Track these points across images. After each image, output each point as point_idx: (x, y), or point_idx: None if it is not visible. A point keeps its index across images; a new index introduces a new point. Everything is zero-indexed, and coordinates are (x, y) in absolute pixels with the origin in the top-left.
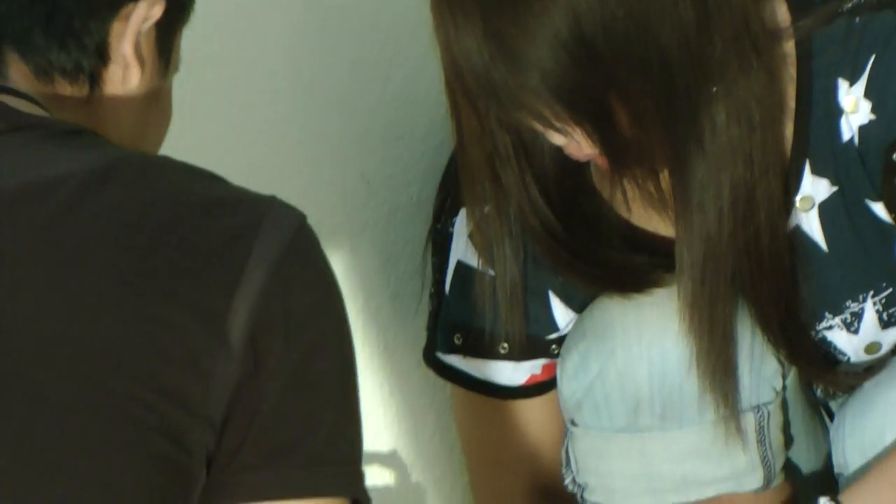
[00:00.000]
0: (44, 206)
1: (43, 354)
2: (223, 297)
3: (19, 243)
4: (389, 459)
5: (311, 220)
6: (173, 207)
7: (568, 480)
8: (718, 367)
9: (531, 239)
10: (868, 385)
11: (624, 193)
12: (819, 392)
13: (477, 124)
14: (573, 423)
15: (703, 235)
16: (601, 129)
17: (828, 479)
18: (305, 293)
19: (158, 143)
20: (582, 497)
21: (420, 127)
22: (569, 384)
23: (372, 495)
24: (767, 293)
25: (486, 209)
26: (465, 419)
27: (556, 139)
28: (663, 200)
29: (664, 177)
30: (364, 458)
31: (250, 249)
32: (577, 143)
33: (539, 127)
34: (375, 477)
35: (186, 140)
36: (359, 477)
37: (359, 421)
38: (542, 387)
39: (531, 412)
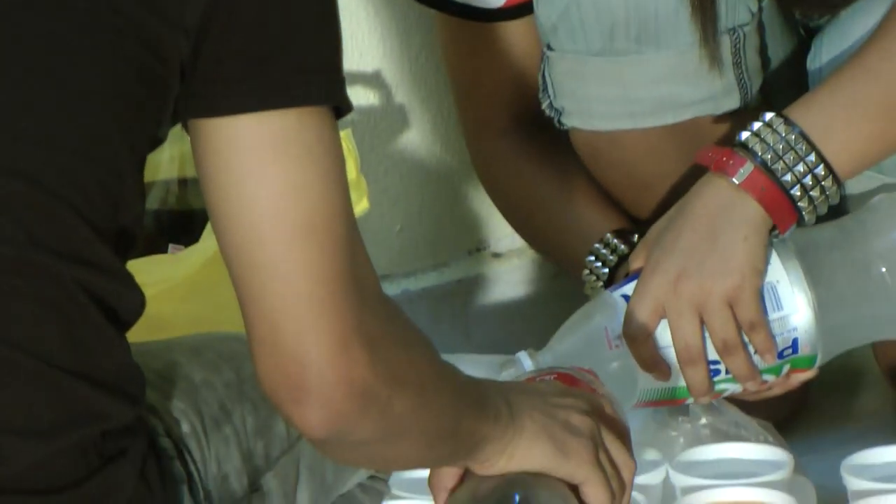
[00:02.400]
0: None
1: None
2: None
3: None
4: (374, 79)
5: None
6: None
7: (545, 105)
8: None
9: None
10: (844, 14)
11: None
12: (798, 14)
13: None
14: (549, 47)
15: None
16: None
17: None
18: None
19: None
20: (559, 121)
21: None
22: (545, 6)
23: (355, 116)
24: None
25: None
26: (448, 46)
27: None
28: None
29: None
30: (348, 79)
31: None
32: None
33: None
34: (360, 97)
35: None
36: (340, 84)
37: (338, 28)
38: (522, 9)
39: (512, 36)
